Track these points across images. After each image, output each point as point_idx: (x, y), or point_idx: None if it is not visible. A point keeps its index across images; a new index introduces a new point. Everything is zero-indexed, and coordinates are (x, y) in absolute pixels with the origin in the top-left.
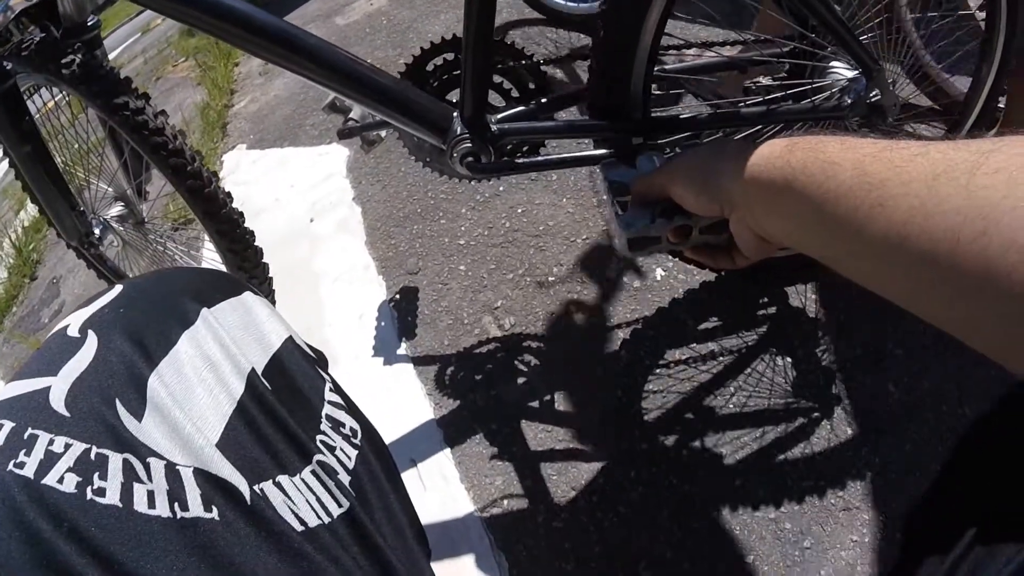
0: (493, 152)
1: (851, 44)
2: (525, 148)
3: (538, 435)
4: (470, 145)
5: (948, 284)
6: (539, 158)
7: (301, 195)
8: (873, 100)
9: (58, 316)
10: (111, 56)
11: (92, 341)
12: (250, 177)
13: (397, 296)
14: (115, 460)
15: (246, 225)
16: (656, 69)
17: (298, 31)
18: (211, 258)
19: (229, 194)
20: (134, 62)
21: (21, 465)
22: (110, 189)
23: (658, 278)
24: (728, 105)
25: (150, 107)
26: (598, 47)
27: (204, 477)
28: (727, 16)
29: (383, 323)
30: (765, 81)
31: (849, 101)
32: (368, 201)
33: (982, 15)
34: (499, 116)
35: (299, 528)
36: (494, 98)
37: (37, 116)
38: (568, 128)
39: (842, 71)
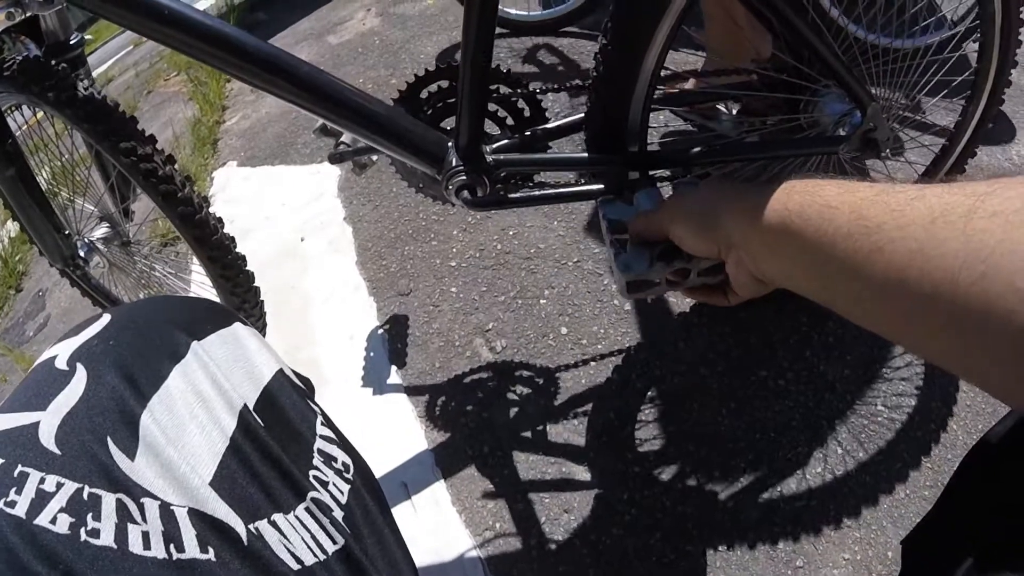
0: (488, 184)
1: (845, 78)
2: (520, 178)
3: (530, 458)
4: (465, 178)
5: (948, 326)
6: (535, 193)
7: (292, 214)
8: (868, 134)
9: (43, 329)
10: (102, 68)
11: (81, 375)
12: (241, 195)
13: (388, 318)
14: (108, 500)
15: (237, 250)
16: (653, 102)
17: (288, 57)
18: (200, 280)
19: (220, 219)
20: (125, 75)
21: (12, 504)
22: (95, 209)
23: (648, 301)
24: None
25: (138, 132)
26: (597, 81)
27: (199, 517)
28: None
29: (374, 344)
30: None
31: (844, 135)
32: (359, 221)
33: (974, 46)
34: (495, 146)
35: (295, 567)
36: (488, 126)
37: (19, 132)
38: (565, 161)
39: (836, 105)
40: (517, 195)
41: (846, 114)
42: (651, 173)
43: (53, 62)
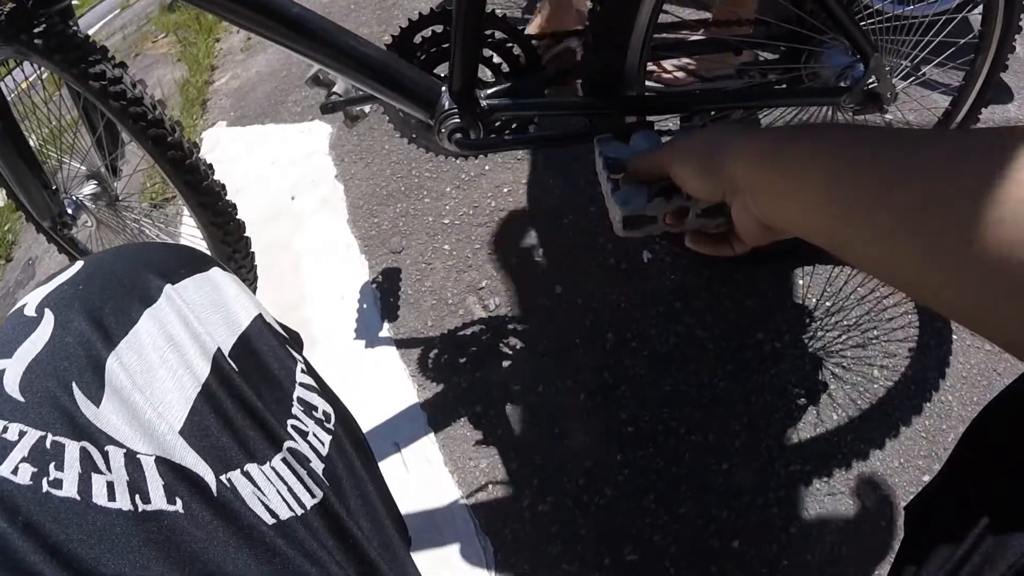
0: (482, 128)
1: (849, 29)
2: (515, 125)
3: (523, 417)
4: (459, 120)
5: (963, 271)
6: (529, 135)
7: (283, 172)
8: (870, 87)
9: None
10: (90, 32)
11: (48, 320)
12: (231, 154)
13: (380, 276)
14: (72, 449)
15: (228, 198)
16: (652, 50)
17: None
18: (189, 235)
19: (210, 165)
20: (112, 38)
21: None
22: (83, 167)
23: (645, 260)
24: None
25: (128, 76)
26: (594, 23)
27: (167, 466)
28: None
29: (366, 303)
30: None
31: (845, 87)
32: (351, 179)
33: (978, 11)
34: (489, 91)
35: (270, 521)
36: (483, 73)
37: (11, 97)
38: (560, 105)
39: (839, 56)
40: (510, 137)
41: (848, 67)
42: (649, 119)
43: (42, 11)
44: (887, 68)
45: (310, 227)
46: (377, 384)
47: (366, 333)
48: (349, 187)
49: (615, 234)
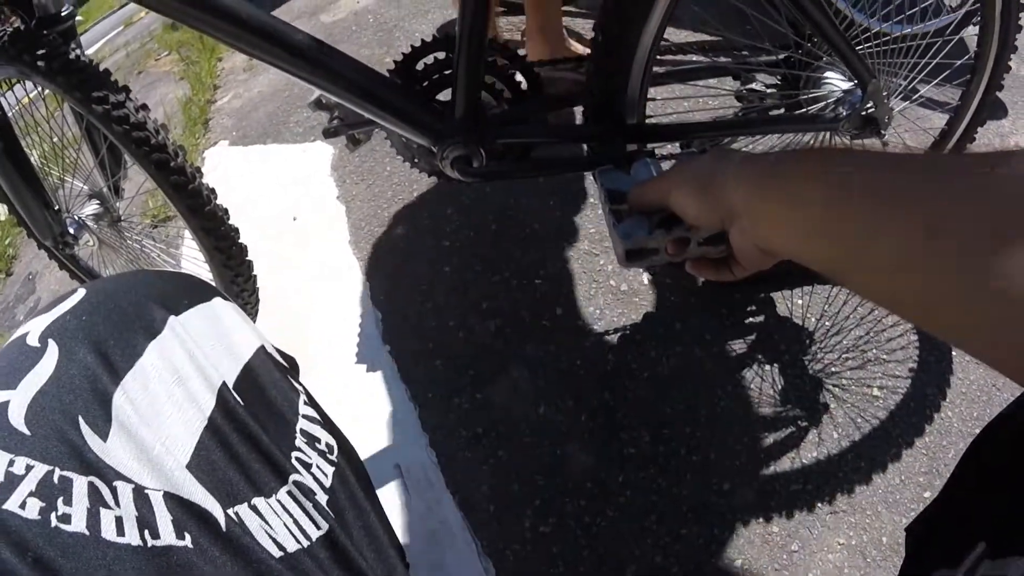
0: (484, 155)
1: (848, 55)
2: (516, 150)
3: (525, 438)
4: (461, 148)
5: (967, 298)
6: (531, 163)
7: (284, 193)
8: (868, 112)
9: (34, 312)
10: (93, 49)
11: (53, 352)
12: (232, 174)
13: (381, 297)
14: (80, 484)
15: (231, 222)
16: (653, 76)
17: (283, 25)
18: (191, 256)
19: (213, 190)
20: (116, 55)
21: None
22: (85, 187)
23: (645, 282)
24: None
25: (131, 100)
26: (596, 53)
27: (175, 502)
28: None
29: (367, 325)
30: (756, 86)
31: (844, 113)
32: (352, 200)
33: (974, 30)
34: (491, 118)
35: (277, 554)
36: (484, 98)
37: (11, 113)
38: (562, 132)
39: (837, 82)
40: (513, 166)
41: (846, 92)
42: (649, 146)
43: (45, 32)
44: (884, 93)
45: (312, 248)
46: (378, 405)
47: (367, 354)
48: (351, 208)
49: (619, 264)
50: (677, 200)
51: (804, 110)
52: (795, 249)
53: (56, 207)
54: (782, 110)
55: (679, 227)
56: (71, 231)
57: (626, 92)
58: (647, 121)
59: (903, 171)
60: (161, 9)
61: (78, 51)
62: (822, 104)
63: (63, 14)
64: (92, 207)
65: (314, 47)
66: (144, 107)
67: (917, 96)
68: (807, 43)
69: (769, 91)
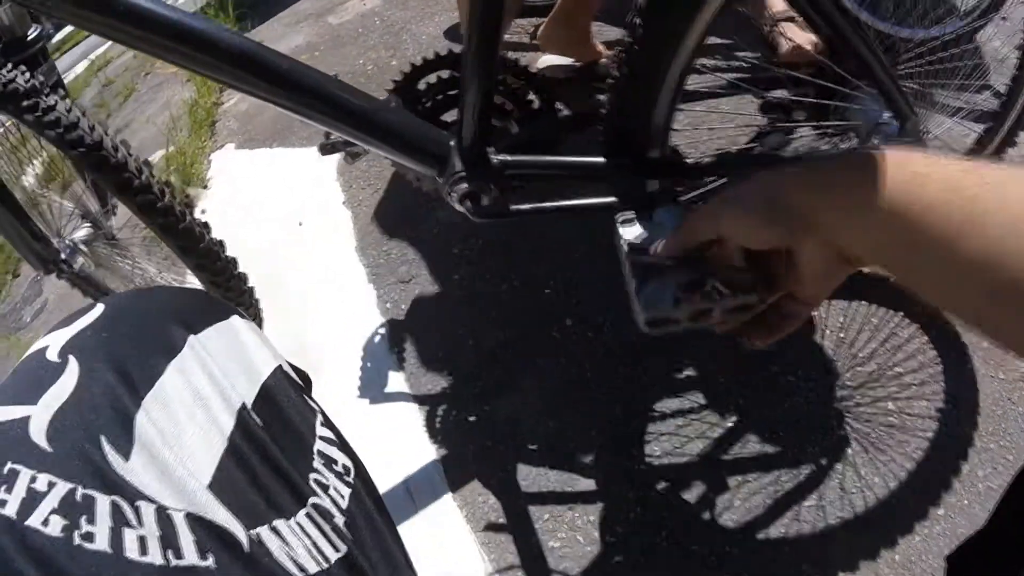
0: (494, 189)
1: (890, 88)
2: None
3: (534, 452)
4: (470, 184)
5: None
6: (544, 205)
7: (290, 197)
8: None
9: (40, 314)
10: (100, 50)
11: (73, 368)
12: (238, 177)
13: (388, 305)
14: (103, 502)
15: (227, 255)
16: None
17: (267, 52)
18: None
19: (206, 225)
20: (123, 56)
21: (2, 503)
22: (75, 208)
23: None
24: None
25: (108, 138)
26: (620, 88)
27: (197, 522)
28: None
29: (373, 332)
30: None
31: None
32: (359, 206)
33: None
34: (501, 146)
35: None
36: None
37: None
38: (578, 165)
39: (873, 112)
40: (524, 207)
41: (882, 123)
42: (673, 183)
43: (9, 65)
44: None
45: (317, 254)
46: (384, 416)
47: (373, 363)
48: (357, 214)
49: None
50: (731, 224)
51: (840, 140)
52: (874, 253)
53: (46, 237)
54: (816, 142)
55: (706, 298)
56: (63, 257)
57: (651, 122)
58: (672, 156)
59: (981, 178)
60: (128, 42)
61: (48, 80)
62: (856, 135)
63: (29, 38)
64: (84, 230)
65: (303, 73)
66: (124, 143)
67: (947, 124)
68: (851, 76)
69: (793, 102)
